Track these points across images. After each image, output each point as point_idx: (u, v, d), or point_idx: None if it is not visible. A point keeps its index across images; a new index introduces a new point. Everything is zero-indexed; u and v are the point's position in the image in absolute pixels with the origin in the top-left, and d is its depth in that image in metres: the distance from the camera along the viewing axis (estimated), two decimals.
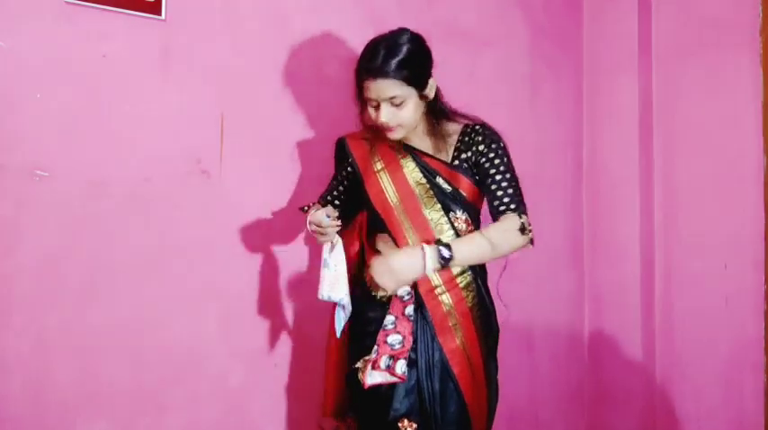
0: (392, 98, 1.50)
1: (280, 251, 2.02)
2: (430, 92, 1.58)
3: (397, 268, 1.43)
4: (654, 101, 2.63)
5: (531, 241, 1.58)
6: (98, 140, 1.76)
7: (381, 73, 1.48)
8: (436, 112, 1.63)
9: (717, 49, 2.43)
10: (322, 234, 1.55)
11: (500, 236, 1.51)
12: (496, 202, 1.56)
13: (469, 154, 1.60)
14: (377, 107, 1.53)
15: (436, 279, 1.57)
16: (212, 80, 1.93)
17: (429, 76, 1.58)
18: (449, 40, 2.35)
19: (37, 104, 1.69)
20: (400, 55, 1.49)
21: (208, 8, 1.92)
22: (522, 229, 1.53)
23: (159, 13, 1.84)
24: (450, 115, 1.66)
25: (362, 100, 1.58)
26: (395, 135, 1.57)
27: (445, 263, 1.45)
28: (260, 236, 1.99)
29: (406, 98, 1.51)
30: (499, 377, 1.69)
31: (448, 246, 1.46)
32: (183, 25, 1.88)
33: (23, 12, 1.68)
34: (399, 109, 1.52)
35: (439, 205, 1.59)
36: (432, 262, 1.44)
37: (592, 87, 2.77)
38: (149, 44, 1.84)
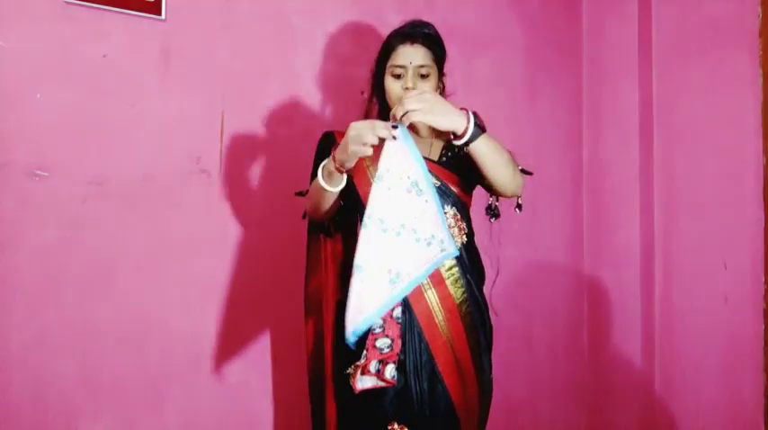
0: (421, 66, 1.57)
1: (279, 250, 2.02)
2: (443, 81, 1.66)
3: (447, 106, 1.39)
4: (654, 102, 2.63)
5: (519, 206, 1.60)
6: (98, 140, 1.77)
7: (418, 39, 1.59)
8: None
9: (717, 50, 2.43)
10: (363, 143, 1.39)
11: (513, 163, 1.51)
12: None
13: (456, 149, 1.56)
14: (401, 77, 1.58)
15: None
16: (212, 80, 1.93)
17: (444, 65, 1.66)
18: (446, 41, 2.31)
19: (37, 104, 1.69)
20: (433, 33, 1.64)
21: (208, 8, 1.93)
22: (522, 174, 1.56)
23: (159, 13, 1.84)
24: None
25: (382, 77, 1.61)
26: None
27: (477, 132, 1.40)
28: (259, 235, 1.99)
29: (431, 73, 1.59)
30: (494, 375, 1.67)
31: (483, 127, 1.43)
32: (183, 25, 1.88)
33: (23, 12, 1.68)
34: (423, 81, 1.58)
35: None
36: (473, 121, 1.40)
37: (592, 89, 2.76)
38: (149, 44, 1.84)
